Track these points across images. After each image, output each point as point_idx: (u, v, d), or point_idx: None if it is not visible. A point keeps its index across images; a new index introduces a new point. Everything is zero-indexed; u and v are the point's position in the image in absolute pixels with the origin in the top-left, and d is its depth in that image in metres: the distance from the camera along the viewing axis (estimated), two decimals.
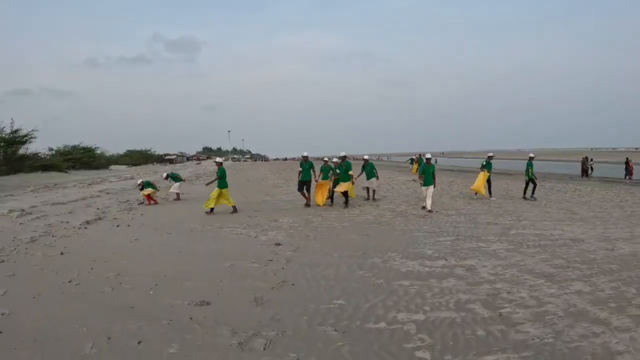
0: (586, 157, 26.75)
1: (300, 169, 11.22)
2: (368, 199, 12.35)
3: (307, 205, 11.13)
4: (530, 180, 12.73)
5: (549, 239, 7.02)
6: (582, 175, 25.47)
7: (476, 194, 13.03)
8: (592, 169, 26.17)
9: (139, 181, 13.59)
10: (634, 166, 24.05)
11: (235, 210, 10.48)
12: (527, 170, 12.72)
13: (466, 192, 14.94)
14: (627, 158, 25.08)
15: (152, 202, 12.56)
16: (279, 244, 6.72)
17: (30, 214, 10.37)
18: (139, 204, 12.55)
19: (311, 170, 11.24)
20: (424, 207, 10.32)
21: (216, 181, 10.49)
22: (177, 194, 13.64)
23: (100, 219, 9.76)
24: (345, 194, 10.98)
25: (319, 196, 11.18)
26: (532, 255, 5.85)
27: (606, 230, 7.87)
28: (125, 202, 13.23)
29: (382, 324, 3.54)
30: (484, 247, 6.38)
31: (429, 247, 6.37)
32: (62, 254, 6.29)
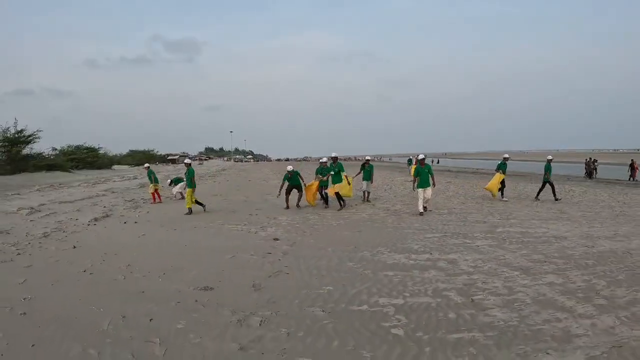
0: (591, 159, 26.64)
1: (288, 182, 11.31)
2: (365, 200, 12.52)
3: (288, 207, 11.15)
4: (548, 182, 12.76)
5: (532, 236, 7.36)
6: (587, 176, 25.28)
7: (493, 195, 12.94)
8: (596, 170, 26.00)
9: (146, 165, 14.30)
10: (639, 167, 23.80)
11: (190, 212, 10.50)
12: (545, 172, 12.77)
13: (462, 193, 15.33)
14: (632, 160, 24.76)
15: (156, 200, 13.05)
16: (277, 239, 7.18)
17: (40, 211, 10.83)
18: (144, 203, 13.03)
19: (298, 176, 11.40)
20: (421, 213, 9.91)
21: (187, 182, 10.75)
22: (181, 193, 14.12)
23: (107, 216, 10.23)
24: (338, 195, 10.91)
25: (310, 196, 11.32)
26: (513, 251, 6.23)
27: (591, 228, 8.16)
28: (131, 200, 13.71)
29: (365, 307, 3.98)
30: (469, 243, 6.80)
31: (416, 243, 6.80)
32: (74, 247, 6.74)
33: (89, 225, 8.91)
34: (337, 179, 10.91)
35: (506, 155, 13.65)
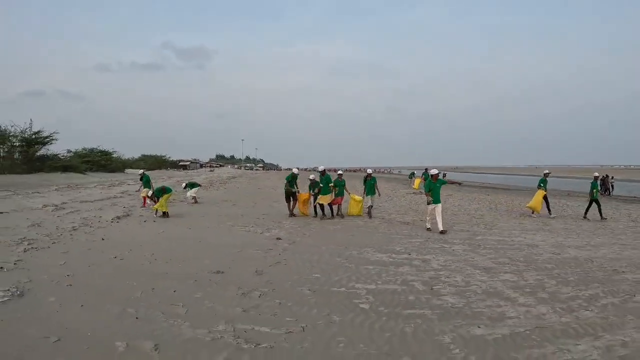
0: (607, 175, 26.30)
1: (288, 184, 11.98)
2: (369, 216, 11.89)
3: (292, 215, 11.67)
4: (595, 200, 12.51)
5: (507, 243, 8.12)
6: (603, 193, 24.54)
7: (533, 212, 12.85)
8: (612, 187, 25.83)
9: (140, 171, 14.64)
10: None
11: (164, 214, 11.09)
12: (591, 190, 12.61)
13: (457, 204, 16.09)
14: None
15: (146, 204, 13.12)
16: (280, 239, 8.22)
17: (64, 209, 11.77)
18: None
19: (294, 182, 11.98)
20: (429, 229, 9.60)
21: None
22: (194, 197, 15.23)
23: (128, 215, 11.28)
24: (321, 206, 11.44)
25: (301, 206, 11.92)
26: (483, 255, 7.06)
27: (566, 239, 8.78)
28: None
29: (343, 289, 4.99)
30: (446, 247, 7.70)
31: (400, 246, 7.75)
32: (103, 239, 7.76)
33: (112, 222, 9.94)
34: (327, 190, 11.46)
35: (547, 171, 13.57)
